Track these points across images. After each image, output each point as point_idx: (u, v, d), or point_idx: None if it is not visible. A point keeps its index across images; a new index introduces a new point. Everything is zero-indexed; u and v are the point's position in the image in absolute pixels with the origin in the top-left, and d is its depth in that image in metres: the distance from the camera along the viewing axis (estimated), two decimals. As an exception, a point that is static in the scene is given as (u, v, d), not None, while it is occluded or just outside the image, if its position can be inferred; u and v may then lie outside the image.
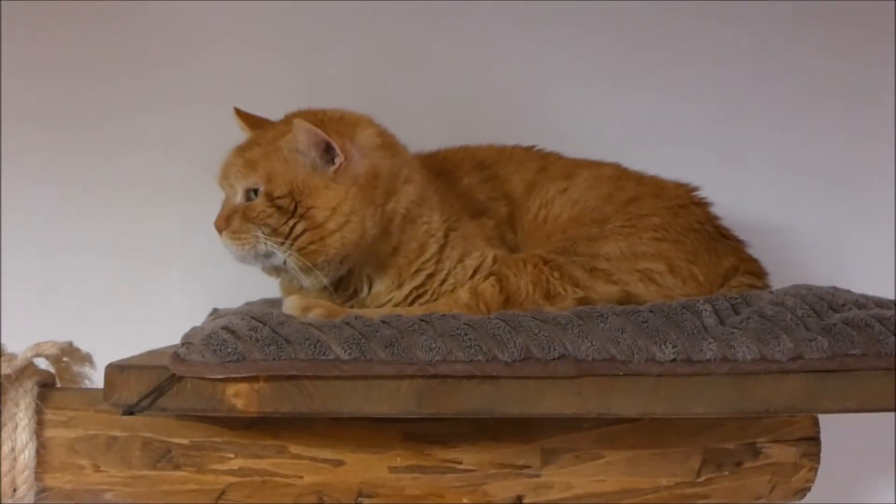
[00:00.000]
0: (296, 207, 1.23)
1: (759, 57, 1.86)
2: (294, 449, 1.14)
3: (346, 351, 1.03)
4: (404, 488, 1.16)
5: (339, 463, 1.15)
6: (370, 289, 1.31)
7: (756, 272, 1.37)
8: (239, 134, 1.37)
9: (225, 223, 1.25)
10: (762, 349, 1.05)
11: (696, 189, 1.44)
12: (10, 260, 1.72)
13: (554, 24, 1.84)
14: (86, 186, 1.76)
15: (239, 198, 1.27)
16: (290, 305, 1.22)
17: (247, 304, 1.46)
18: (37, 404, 1.10)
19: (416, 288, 1.30)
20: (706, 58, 1.86)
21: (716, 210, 1.43)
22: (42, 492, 1.10)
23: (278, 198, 1.23)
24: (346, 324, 1.07)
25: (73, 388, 1.17)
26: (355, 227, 1.23)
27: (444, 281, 1.30)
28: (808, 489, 1.27)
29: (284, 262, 1.25)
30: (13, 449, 1.08)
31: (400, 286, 1.30)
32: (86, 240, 1.76)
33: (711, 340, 1.06)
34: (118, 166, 1.77)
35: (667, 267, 1.29)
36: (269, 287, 1.43)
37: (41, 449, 1.09)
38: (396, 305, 1.29)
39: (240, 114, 1.38)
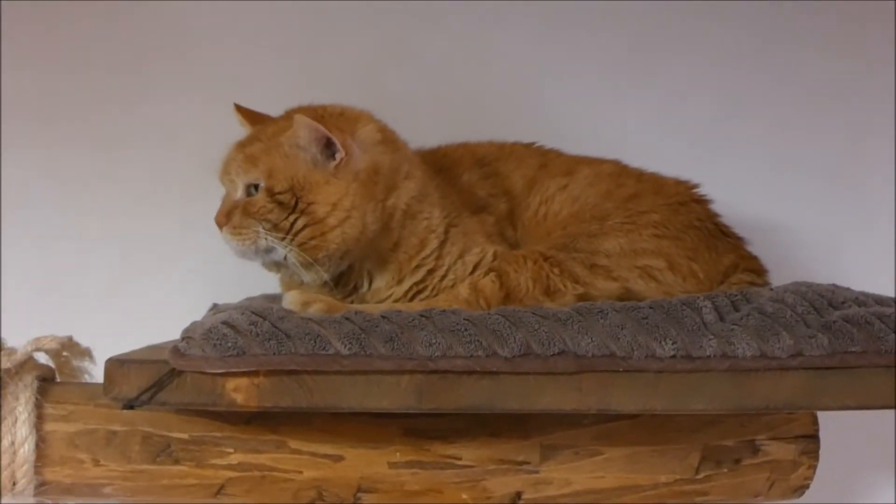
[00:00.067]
0: (296, 203, 1.23)
1: (759, 55, 1.86)
2: (293, 444, 1.14)
3: (346, 346, 1.03)
4: (403, 484, 1.16)
5: (339, 458, 1.15)
6: (370, 284, 1.31)
7: (756, 270, 1.37)
8: (239, 130, 1.37)
9: (225, 218, 1.25)
10: (762, 346, 1.05)
11: (696, 186, 1.45)
12: (10, 255, 1.72)
13: (554, 21, 1.85)
14: (86, 182, 1.76)
15: (239, 193, 1.27)
16: (291, 300, 1.22)
17: (247, 299, 1.46)
18: (36, 398, 1.09)
19: (416, 283, 1.30)
20: (706, 56, 1.86)
21: (715, 208, 1.43)
22: (41, 486, 1.10)
23: (279, 193, 1.23)
24: (346, 319, 1.07)
25: (73, 383, 1.17)
26: (356, 222, 1.23)
27: (444, 277, 1.30)
28: (807, 487, 1.27)
29: (285, 258, 1.25)
30: (13, 443, 1.08)
31: (400, 282, 1.30)
32: (86, 235, 1.75)
33: (711, 337, 1.06)
34: (118, 162, 1.77)
35: (667, 264, 1.30)
36: (269, 282, 1.43)
37: (41, 443, 1.09)
38: (396, 301, 1.29)
39: (240, 109, 1.38)
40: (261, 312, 1.08)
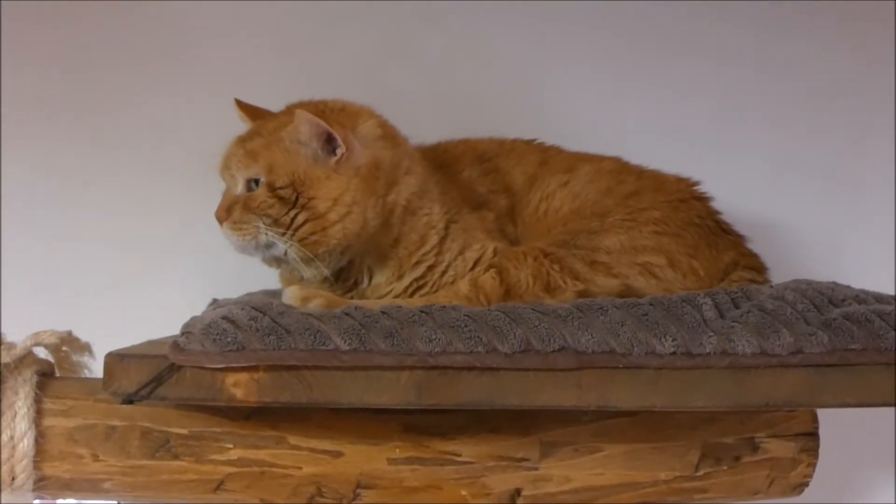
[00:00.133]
0: (297, 198, 1.23)
1: (759, 54, 1.86)
2: (293, 440, 1.14)
3: (345, 341, 1.03)
4: (403, 480, 1.16)
5: (338, 454, 1.15)
6: (370, 280, 1.31)
7: (756, 267, 1.37)
8: (239, 125, 1.37)
9: (226, 214, 1.25)
10: (762, 343, 1.05)
11: (696, 183, 1.45)
12: (10, 250, 1.72)
13: (554, 18, 1.84)
14: (86, 177, 1.76)
15: (240, 188, 1.27)
16: (290, 296, 1.22)
17: (247, 294, 1.46)
18: (36, 393, 1.09)
19: (416, 279, 1.30)
20: (706, 54, 1.86)
21: (716, 205, 1.43)
22: (40, 481, 1.10)
23: (280, 188, 1.23)
24: (346, 314, 1.07)
25: (73, 378, 1.17)
26: (356, 217, 1.23)
27: (444, 273, 1.30)
28: (807, 484, 1.27)
29: (285, 253, 1.25)
30: (12, 438, 1.08)
31: (400, 277, 1.30)
32: (86, 230, 1.75)
33: (711, 334, 1.06)
34: (118, 157, 1.77)
35: (667, 261, 1.29)
36: (269, 278, 1.42)
37: (40, 438, 1.09)
38: (397, 297, 1.29)
39: (240, 105, 1.38)
40: (261, 308, 1.08)
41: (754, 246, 1.42)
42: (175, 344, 1.03)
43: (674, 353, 1.05)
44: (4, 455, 1.07)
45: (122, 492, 1.13)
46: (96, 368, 1.13)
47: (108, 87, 1.77)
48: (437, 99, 1.81)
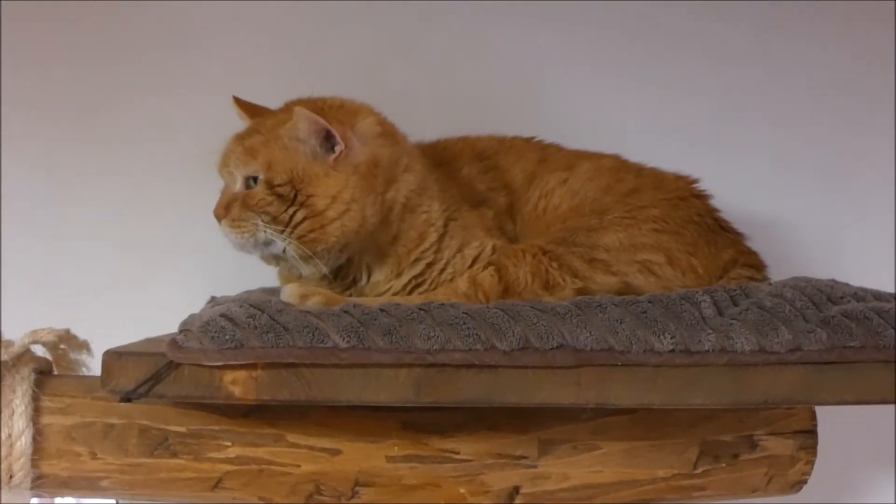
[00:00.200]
0: (296, 195, 1.23)
1: (758, 51, 1.86)
2: (291, 438, 1.14)
3: (344, 339, 1.03)
4: (401, 478, 1.16)
5: (337, 452, 1.15)
6: (369, 277, 1.31)
7: (755, 265, 1.37)
8: (238, 122, 1.37)
9: (224, 211, 1.25)
10: (761, 341, 1.05)
11: (695, 181, 1.45)
12: (8, 248, 1.72)
13: (554, 16, 1.84)
14: (84, 175, 1.76)
15: (238, 186, 1.27)
16: (289, 293, 1.22)
17: (245, 292, 1.45)
18: (34, 391, 1.09)
19: (415, 277, 1.30)
20: (706, 53, 1.86)
21: (715, 203, 1.43)
22: (38, 479, 1.10)
23: (278, 185, 1.23)
24: (345, 312, 1.07)
25: (70, 376, 1.17)
26: (355, 215, 1.23)
27: (443, 270, 1.30)
28: (805, 482, 1.27)
29: (284, 251, 1.25)
30: (10, 436, 1.07)
31: (399, 275, 1.30)
32: (84, 228, 1.75)
33: (710, 331, 1.06)
34: (117, 155, 1.76)
35: (666, 258, 1.29)
36: (267, 276, 1.43)
37: (38, 436, 1.09)
38: (395, 294, 1.29)
39: (239, 102, 1.38)
40: (259, 305, 1.08)
41: (753, 244, 1.42)
42: (173, 341, 1.03)
43: (672, 350, 1.05)
44: (2, 453, 1.07)
45: (121, 490, 1.13)
46: (94, 366, 1.13)
47: (106, 86, 1.77)
48: (436, 97, 1.81)
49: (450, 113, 1.79)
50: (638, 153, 1.50)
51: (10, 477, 1.08)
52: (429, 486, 1.16)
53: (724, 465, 1.23)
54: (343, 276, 1.31)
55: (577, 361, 1.04)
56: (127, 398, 1.03)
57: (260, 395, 1.03)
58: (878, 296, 1.16)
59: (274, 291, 1.32)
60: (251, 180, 1.26)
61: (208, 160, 1.32)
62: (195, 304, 1.31)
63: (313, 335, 1.03)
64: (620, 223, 1.31)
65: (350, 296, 1.29)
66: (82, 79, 1.76)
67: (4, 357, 1.08)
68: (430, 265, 1.30)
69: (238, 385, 1.03)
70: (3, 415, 1.07)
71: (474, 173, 1.44)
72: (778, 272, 1.38)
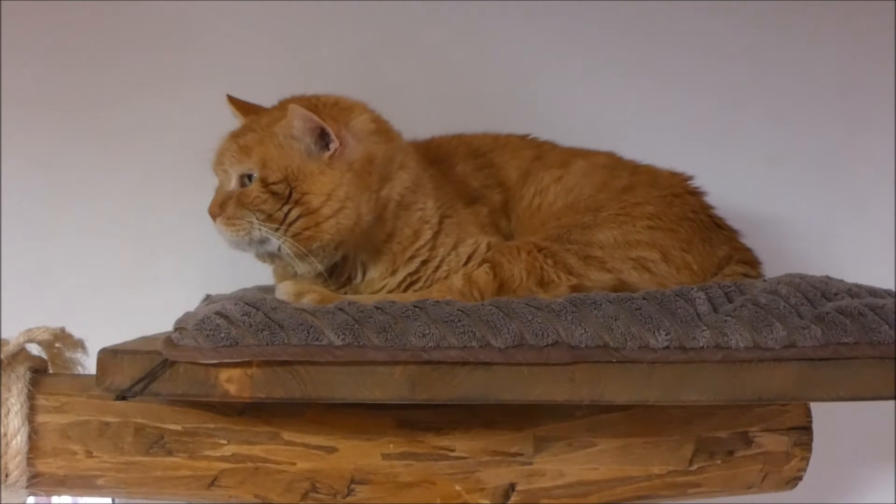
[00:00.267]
0: (290, 193, 1.22)
1: (754, 47, 1.86)
2: (287, 435, 1.14)
3: (339, 336, 1.03)
4: (397, 475, 1.16)
5: (332, 450, 1.15)
6: (364, 275, 1.31)
7: (750, 261, 1.38)
8: (233, 121, 1.37)
9: (219, 209, 1.25)
10: (755, 337, 1.06)
11: (690, 178, 1.45)
12: (3, 246, 1.71)
13: (550, 13, 1.84)
14: (80, 173, 1.76)
15: (233, 184, 1.27)
16: (284, 291, 1.22)
17: (240, 290, 1.45)
18: (29, 390, 1.09)
19: (409, 274, 1.30)
20: (702, 48, 1.86)
21: (710, 200, 1.43)
22: (34, 477, 1.10)
23: (273, 183, 1.23)
24: (340, 309, 1.07)
25: (66, 374, 1.17)
26: (350, 212, 1.23)
27: (437, 268, 1.31)
28: (800, 479, 1.27)
29: (279, 249, 1.25)
30: (5, 434, 1.07)
31: (394, 273, 1.30)
32: (79, 226, 1.75)
33: (705, 328, 1.06)
34: (112, 153, 1.76)
35: (661, 255, 1.29)
36: (262, 274, 1.43)
37: (33, 434, 1.09)
38: (390, 292, 1.29)
39: (233, 101, 1.37)
40: (254, 303, 1.08)
41: (748, 240, 1.42)
42: (168, 339, 1.03)
43: (667, 347, 1.05)
44: (-2, 452, 1.07)
45: (116, 488, 1.13)
46: (90, 365, 1.12)
47: (102, 85, 1.77)
48: (431, 94, 1.81)
49: (444, 110, 1.79)
50: (633, 150, 1.50)
51: (6, 476, 1.08)
52: (424, 483, 1.16)
53: (719, 461, 1.23)
54: (338, 273, 1.31)
55: (572, 358, 1.04)
56: (122, 396, 1.03)
57: (255, 393, 1.03)
58: (873, 292, 1.16)
59: (269, 289, 1.32)
60: (246, 178, 1.26)
61: (203, 158, 1.32)
62: (190, 302, 1.31)
63: (308, 333, 1.03)
64: (615, 220, 1.31)
65: (345, 293, 1.29)
66: (78, 78, 1.76)
67: (0, 356, 1.08)
68: (424, 262, 1.30)
69: (233, 383, 1.03)
70: (-2, 414, 1.07)
71: (469, 171, 1.44)
72: (773, 269, 1.38)
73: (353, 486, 1.15)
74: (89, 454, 1.11)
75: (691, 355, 1.05)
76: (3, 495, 1.09)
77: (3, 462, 1.07)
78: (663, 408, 1.20)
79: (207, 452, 1.13)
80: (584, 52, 1.86)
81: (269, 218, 1.23)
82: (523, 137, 1.52)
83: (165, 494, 1.14)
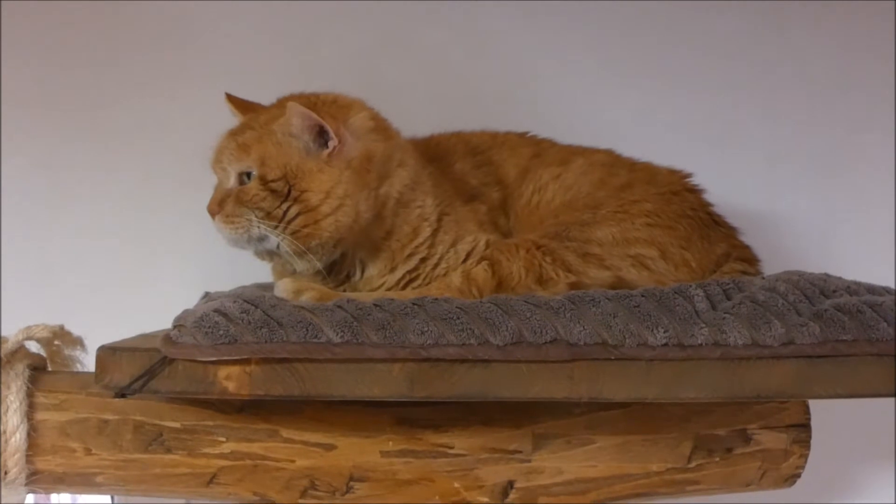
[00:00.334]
0: (289, 191, 1.22)
1: (754, 45, 1.86)
2: (285, 433, 1.14)
3: (338, 334, 1.03)
4: (396, 473, 1.16)
5: (331, 447, 1.15)
6: (363, 273, 1.31)
7: (748, 259, 1.38)
8: (231, 119, 1.37)
9: (218, 207, 1.25)
10: (754, 334, 1.06)
11: (688, 176, 1.45)
12: (4, 245, 1.71)
13: (549, 12, 1.84)
14: (79, 172, 1.76)
15: (232, 182, 1.27)
16: (283, 288, 1.22)
17: (239, 287, 1.45)
18: (28, 387, 1.09)
19: (408, 272, 1.30)
20: (701, 46, 1.86)
21: (709, 198, 1.43)
22: (33, 475, 1.10)
23: (272, 181, 1.23)
24: (339, 307, 1.07)
25: (65, 372, 1.17)
26: (349, 210, 1.23)
27: (436, 265, 1.31)
28: (798, 476, 1.27)
29: (278, 246, 1.25)
30: (4, 431, 1.07)
31: (393, 270, 1.30)
32: (79, 225, 1.75)
33: (703, 325, 1.06)
34: (111, 152, 1.76)
35: (659, 253, 1.29)
36: (261, 272, 1.43)
37: (32, 432, 1.09)
38: (389, 289, 1.29)
39: (231, 99, 1.37)
40: (253, 300, 1.08)
41: (748, 238, 1.42)
42: (167, 337, 1.03)
43: (665, 344, 1.05)
44: (-3, 450, 1.07)
45: (115, 485, 1.13)
46: (89, 362, 1.12)
47: (102, 85, 1.77)
48: (429, 92, 1.81)
49: (443, 108, 1.79)
50: (632, 149, 1.50)
51: (6, 473, 1.08)
52: (423, 480, 1.17)
53: (717, 459, 1.23)
54: (337, 271, 1.31)
55: (570, 356, 1.05)
56: (121, 394, 1.03)
57: (254, 391, 1.03)
58: (871, 289, 1.16)
59: (268, 287, 1.32)
60: (245, 176, 1.26)
61: (202, 158, 1.32)
62: (189, 300, 1.31)
63: (307, 330, 1.03)
64: (614, 218, 1.31)
65: (344, 291, 1.29)
66: (78, 77, 1.77)
67: (-1, 353, 1.09)
68: (423, 260, 1.30)
69: (232, 380, 1.03)
70: (-3, 411, 1.07)
71: (467, 168, 1.44)
72: (771, 267, 1.38)
73: (351, 483, 1.15)
74: (88, 452, 1.11)
75: (690, 353, 1.05)
76: (2, 493, 1.09)
77: (2, 459, 1.07)
78: (662, 405, 1.20)
79: (206, 450, 1.13)
80: (584, 51, 1.86)
81: (268, 215, 1.23)
82: (522, 135, 1.52)
83: (164, 492, 1.14)
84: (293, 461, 1.14)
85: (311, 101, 1.27)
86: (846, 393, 1.07)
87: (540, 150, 1.48)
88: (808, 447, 1.26)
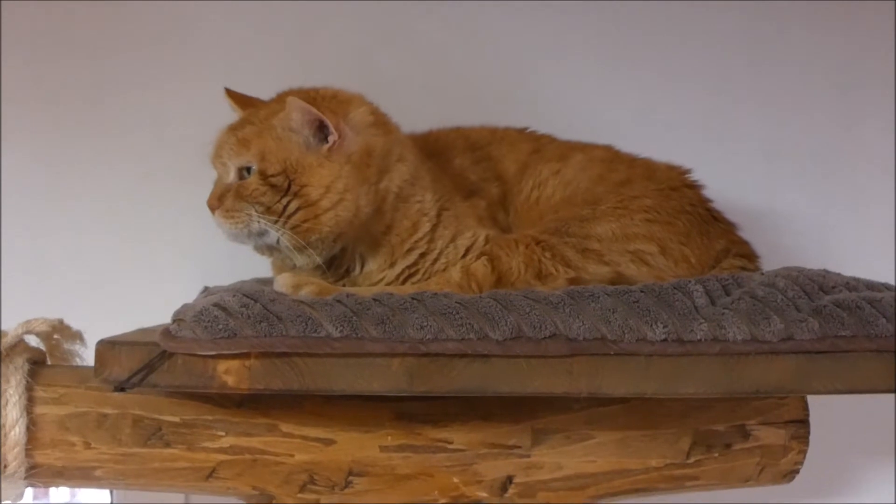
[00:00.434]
0: (289, 185, 1.22)
1: (753, 42, 1.86)
2: (285, 427, 1.15)
3: (337, 328, 1.03)
4: (395, 467, 1.16)
5: (330, 442, 1.15)
6: (362, 267, 1.31)
7: (747, 255, 1.38)
8: (231, 114, 1.36)
9: (218, 202, 1.25)
10: (753, 330, 1.06)
11: (687, 171, 1.45)
12: (4, 241, 1.71)
13: (547, 7, 1.84)
14: (78, 168, 1.76)
15: (232, 176, 1.27)
16: (282, 283, 1.22)
17: (238, 282, 1.45)
18: (27, 381, 1.10)
19: (408, 267, 1.30)
20: (700, 43, 1.86)
21: (708, 194, 1.43)
22: (32, 468, 1.10)
23: (272, 176, 1.23)
24: (338, 301, 1.07)
25: (64, 366, 1.17)
26: (349, 205, 1.23)
27: (436, 260, 1.31)
28: (797, 472, 1.28)
29: (277, 241, 1.25)
30: (4, 425, 1.08)
31: (392, 265, 1.30)
32: (78, 219, 1.75)
33: (702, 321, 1.06)
34: (110, 146, 1.76)
35: (658, 248, 1.29)
36: (260, 267, 1.42)
37: (32, 426, 1.09)
38: (388, 284, 1.29)
39: (230, 94, 1.37)
40: (252, 295, 1.08)
41: (747, 234, 1.42)
42: (166, 331, 1.03)
43: (665, 339, 1.05)
44: (-3, 443, 1.07)
45: (114, 479, 1.13)
46: (88, 356, 1.13)
47: (102, 81, 1.77)
48: (429, 87, 1.81)
49: (442, 103, 1.79)
50: (631, 145, 1.50)
51: (5, 467, 1.08)
52: (422, 475, 1.17)
53: (716, 454, 1.23)
54: (336, 266, 1.30)
55: (569, 351, 1.05)
56: (120, 388, 1.03)
57: (253, 385, 1.03)
58: (871, 285, 1.16)
59: (267, 281, 1.32)
60: (244, 171, 1.25)
61: (202, 151, 1.32)
62: (189, 294, 1.31)
63: (306, 325, 1.03)
64: (613, 213, 1.31)
65: (343, 286, 1.29)
66: (77, 74, 1.76)
67: (-2, 347, 1.09)
68: (423, 255, 1.30)
69: (231, 374, 1.03)
70: (-4, 405, 1.07)
71: (467, 164, 1.44)
72: (771, 263, 1.38)
73: (350, 478, 1.15)
74: (87, 445, 1.11)
75: (689, 348, 1.05)
76: (1, 486, 1.09)
77: (1, 453, 1.07)
78: (661, 401, 1.20)
79: (205, 444, 1.13)
80: (582, 46, 1.85)
81: (268, 210, 1.23)
82: (521, 131, 1.52)
83: (163, 486, 1.14)
84: (292, 455, 1.14)
85: (311, 96, 1.27)
86: (845, 389, 1.07)
87: (539, 146, 1.48)
88: (806, 443, 1.26)
